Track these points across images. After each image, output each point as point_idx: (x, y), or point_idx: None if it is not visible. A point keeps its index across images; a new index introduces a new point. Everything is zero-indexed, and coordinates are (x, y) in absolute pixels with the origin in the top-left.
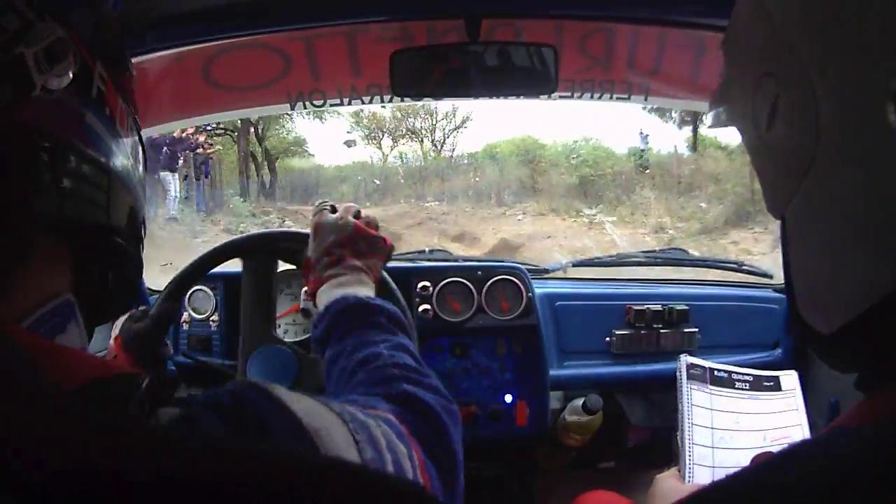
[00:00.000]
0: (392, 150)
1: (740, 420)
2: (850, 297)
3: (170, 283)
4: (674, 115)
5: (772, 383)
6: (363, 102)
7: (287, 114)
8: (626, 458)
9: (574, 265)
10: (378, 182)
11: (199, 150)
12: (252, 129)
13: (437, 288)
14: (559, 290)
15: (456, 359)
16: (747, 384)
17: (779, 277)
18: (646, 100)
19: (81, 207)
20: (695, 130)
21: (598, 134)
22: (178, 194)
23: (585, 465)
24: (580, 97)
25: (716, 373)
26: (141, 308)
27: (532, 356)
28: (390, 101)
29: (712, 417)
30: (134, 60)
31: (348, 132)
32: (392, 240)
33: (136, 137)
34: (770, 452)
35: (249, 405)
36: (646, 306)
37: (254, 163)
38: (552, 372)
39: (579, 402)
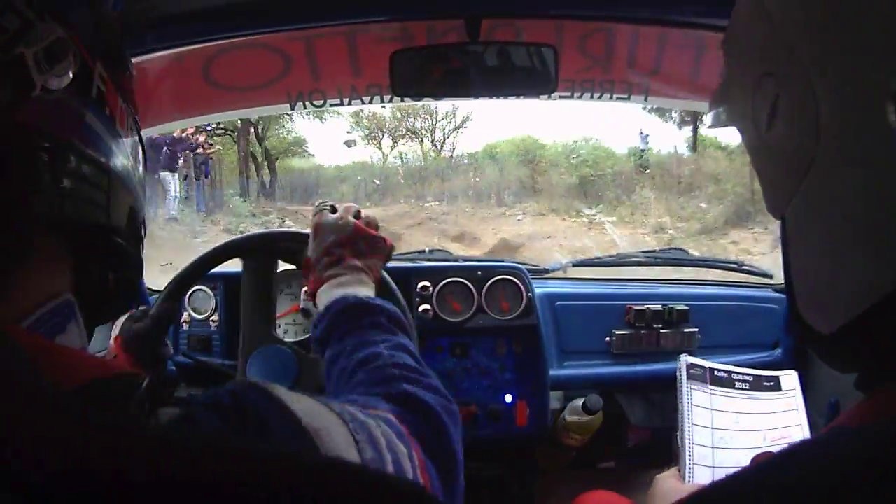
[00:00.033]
0: (392, 150)
1: (740, 420)
2: (850, 297)
3: (170, 283)
4: (674, 114)
5: (772, 383)
6: (363, 102)
7: (287, 114)
8: (625, 458)
9: (574, 265)
10: (378, 182)
11: (199, 150)
12: (252, 129)
13: (437, 288)
14: (559, 290)
15: (456, 359)
16: (747, 384)
17: (779, 277)
18: (646, 100)
19: (81, 207)
20: (695, 130)
21: (599, 134)
22: (178, 194)
23: (585, 465)
24: (580, 97)
25: (716, 373)
26: (141, 308)
27: (532, 356)
28: (390, 100)
29: (712, 417)
30: (134, 60)
31: (348, 132)
32: (392, 240)
33: (136, 137)
34: (770, 452)
35: (249, 405)
36: (646, 306)
37: (254, 163)
38: (552, 372)
39: (579, 402)
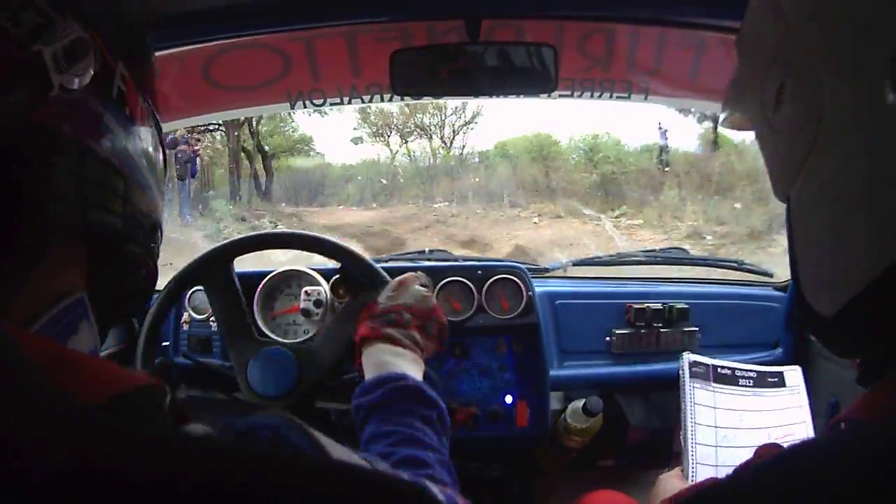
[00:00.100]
0: (401, 147)
1: (744, 418)
2: (850, 274)
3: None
4: (693, 109)
5: (776, 379)
6: (363, 102)
7: (287, 112)
8: (625, 458)
9: (574, 264)
10: (385, 181)
11: (184, 147)
12: (244, 123)
13: (438, 288)
14: (559, 288)
15: (456, 359)
16: (751, 381)
17: (779, 276)
18: (646, 99)
19: (97, 212)
20: (716, 126)
21: (617, 130)
22: None
23: (586, 466)
24: (580, 96)
25: (719, 370)
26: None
27: (532, 356)
28: (390, 100)
29: (715, 416)
30: None
31: (355, 129)
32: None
33: (157, 138)
34: (774, 444)
35: (287, 443)
36: (646, 305)
37: (248, 160)
38: (552, 372)
39: (580, 403)
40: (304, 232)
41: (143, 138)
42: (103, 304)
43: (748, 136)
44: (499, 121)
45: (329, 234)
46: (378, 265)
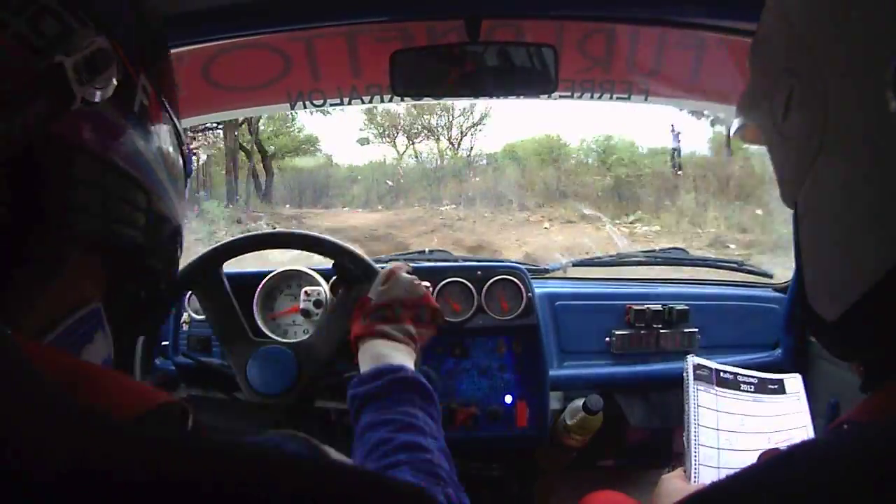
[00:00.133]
0: (407, 148)
1: (745, 422)
2: (853, 278)
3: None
4: (706, 111)
5: (776, 386)
6: (363, 102)
7: (290, 112)
8: (625, 458)
9: (574, 265)
10: (390, 183)
11: None
12: (245, 122)
13: (437, 288)
14: (559, 289)
15: (456, 359)
16: (752, 386)
17: (779, 277)
18: (646, 100)
19: (117, 226)
20: (729, 129)
21: (629, 131)
22: None
23: (586, 466)
24: (580, 97)
25: (722, 374)
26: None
27: (532, 356)
28: (390, 100)
29: (718, 418)
30: None
31: (361, 129)
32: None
33: (177, 140)
34: (777, 449)
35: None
36: (646, 306)
37: (248, 159)
38: (552, 372)
39: (580, 402)
40: (294, 230)
41: (165, 144)
42: (121, 315)
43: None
44: (507, 123)
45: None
46: (378, 265)
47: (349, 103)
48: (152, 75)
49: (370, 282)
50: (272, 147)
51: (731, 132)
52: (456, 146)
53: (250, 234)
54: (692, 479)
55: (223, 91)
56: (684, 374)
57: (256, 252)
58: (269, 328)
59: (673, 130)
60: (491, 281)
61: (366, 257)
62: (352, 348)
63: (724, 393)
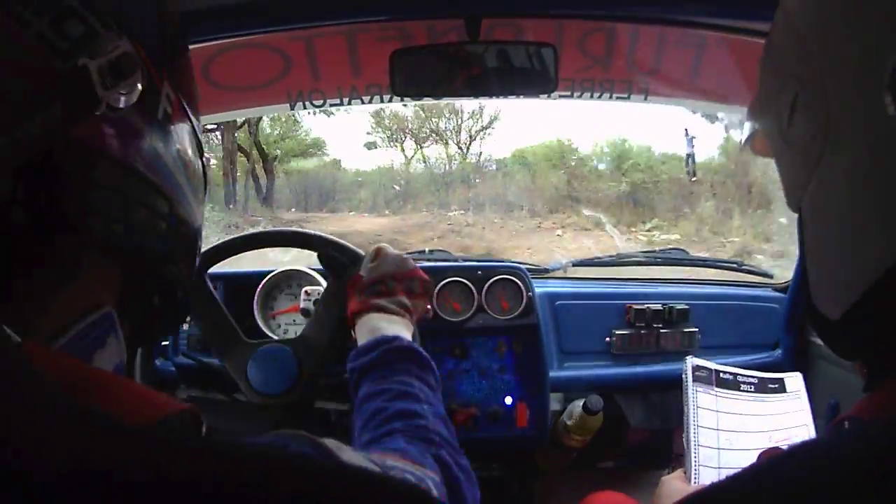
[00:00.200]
0: (415, 153)
1: (746, 422)
2: (856, 276)
3: None
4: (721, 115)
5: (777, 385)
6: (363, 102)
7: (291, 112)
8: (625, 459)
9: (574, 265)
10: (398, 187)
11: None
12: (245, 123)
13: (438, 288)
14: (559, 289)
15: (456, 359)
16: (752, 386)
17: (779, 277)
18: (645, 99)
19: (137, 233)
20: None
21: (642, 135)
22: None
23: (586, 466)
24: (580, 96)
25: (721, 375)
26: None
27: (532, 357)
28: (390, 100)
29: (718, 419)
30: None
31: (368, 133)
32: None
33: (199, 158)
34: (777, 448)
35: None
36: (646, 306)
37: (247, 161)
38: (552, 373)
39: (580, 402)
40: (273, 229)
41: (185, 148)
42: (135, 321)
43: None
44: (517, 127)
45: None
46: None
47: (349, 103)
48: (174, 78)
49: (356, 265)
50: (278, 150)
51: (742, 142)
52: (465, 150)
53: (230, 237)
54: (692, 480)
55: (223, 91)
56: (683, 376)
57: (256, 252)
58: (269, 328)
59: (687, 135)
60: (491, 280)
61: (350, 245)
62: (349, 325)
63: (724, 393)
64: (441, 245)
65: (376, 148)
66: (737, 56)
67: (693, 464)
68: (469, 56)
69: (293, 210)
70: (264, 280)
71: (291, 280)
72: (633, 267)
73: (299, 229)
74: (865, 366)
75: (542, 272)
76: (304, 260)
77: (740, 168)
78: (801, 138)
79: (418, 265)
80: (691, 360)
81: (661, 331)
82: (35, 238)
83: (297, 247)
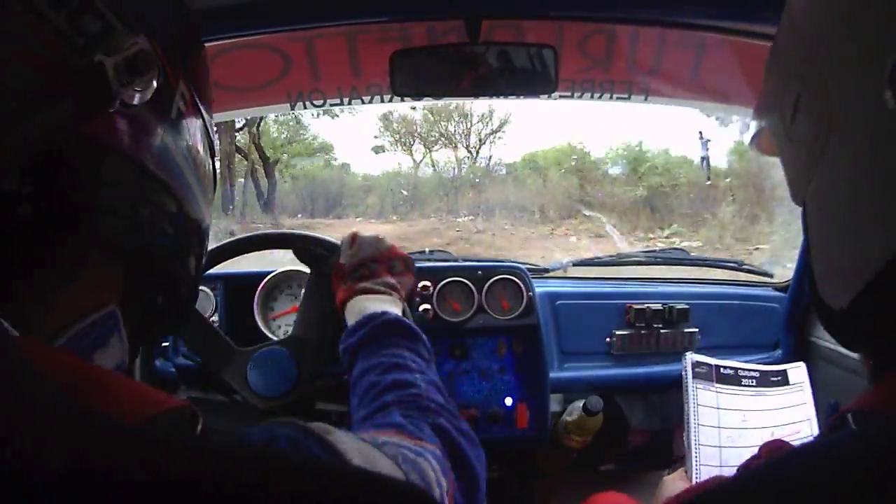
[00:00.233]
0: (424, 157)
1: (747, 417)
2: (860, 266)
3: None
4: (734, 118)
5: (779, 378)
6: (363, 102)
7: (295, 114)
8: (626, 460)
9: (574, 264)
10: (406, 192)
11: None
12: (246, 125)
13: (438, 288)
14: (559, 289)
15: (456, 360)
16: (754, 380)
17: (779, 276)
18: (646, 100)
19: (145, 233)
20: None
21: (659, 139)
22: None
23: (586, 467)
24: (580, 97)
25: (722, 370)
26: None
27: (532, 357)
28: (390, 100)
29: (719, 416)
30: None
31: (376, 137)
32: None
33: (210, 157)
34: (779, 440)
35: (304, 452)
36: (646, 305)
37: (248, 164)
38: (552, 374)
39: (580, 403)
40: (244, 235)
41: (197, 147)
42: (138, 320)
43: None
44: (527, 131)
45: None
46: None
47: (349, 103)
48: (189, 76)
49: (334, 254)
50: (285, 154)
51: (748, 144)
52: (474, 155)
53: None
54: (694, 479)
55: (223, 91)
56: (683, 373)
57: (257, 253)
58: (269, 329)
59: (701, 138)
60: (491, 280)
61: (324, 236)
62: (339, 314)
63: (725, 389)
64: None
65: (384, 152)
66: (737, 57)
67: (694, 463)
68: (469, 57)
69: (299, 216)
70: (264, 281)
71: (292, 280)
72: (633, 266)
73: (270, 230)
74: (870, 357)
75: (542, 272)
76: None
77: (762, 170)
78: (804, 135)
79: (418, 265)
80: (691, 357)
81: (662, 331)
82: (41, 235)
83: (272, 248)
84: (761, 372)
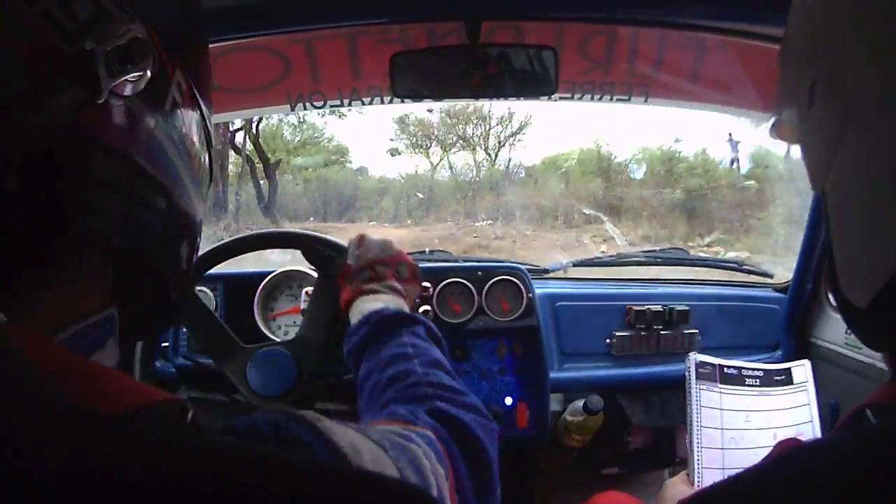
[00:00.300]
0: (441, 160)
1: (750, 418)
2: (882, 262)
3: None
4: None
5: (783, 377)
6: (363, 103)
7: (292, 113)
8: (627, 461)
9: (574, 265)
10: (421, 195)
11: None
12: (243, 126)
13: (438, 289)
14: (560, 290)
15: (456, 361)
16: (758, 380)
17: (779, 277)
18: (646, 101)
19: (136, 232)
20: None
21: (696, 138)
22: None
23: (586, 467)
24: (580, 98)
25: (725, 370)
26: None
27: (532, 358)
28: (390, 101)
29: (722, 418)
30: None
31: (392, 140)
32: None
33: (207, 152)
34: (794, 439)
35: (291, 437)
36: (646, 307)
37: (242, 165)
38: (552, 374)
39: (580, 402)
40: (250, 233)
41: (193, 143)
42: (128, 320)
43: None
44: (548, 133)
45: None
46: None
47: (349, 105)
48: (188, 67)
49: (341, 256)
50: (299, 158)
51: (768, 131)
52: (493, 157)
53: (212, 246)
54: (696, 482)
55: (223, 92)
56: (686, 374)
57: (256, 252)
58: (269, 329)
59: (731, 139)
60: (491, 281)
61: (330, 237)
62: (343, 314)
63: (728, 389)
64: None
65: (399, 154)
66: (738, 58)
67: (696, 466)
68: (469, 58)
69: (311, 219)
70: (264, 281)
71: (292, 281)
72: (634, 267)
73: (278, 229)
74: (894, 355)
75: (542, 273)
76: (305, 261)
77: (798, 171)
78: (821, 122)
79: (419, 265)
80: (694, 357)
81: (662, 332)
82: (30, 233)
83: (279, 247)
84: (765, 371)
